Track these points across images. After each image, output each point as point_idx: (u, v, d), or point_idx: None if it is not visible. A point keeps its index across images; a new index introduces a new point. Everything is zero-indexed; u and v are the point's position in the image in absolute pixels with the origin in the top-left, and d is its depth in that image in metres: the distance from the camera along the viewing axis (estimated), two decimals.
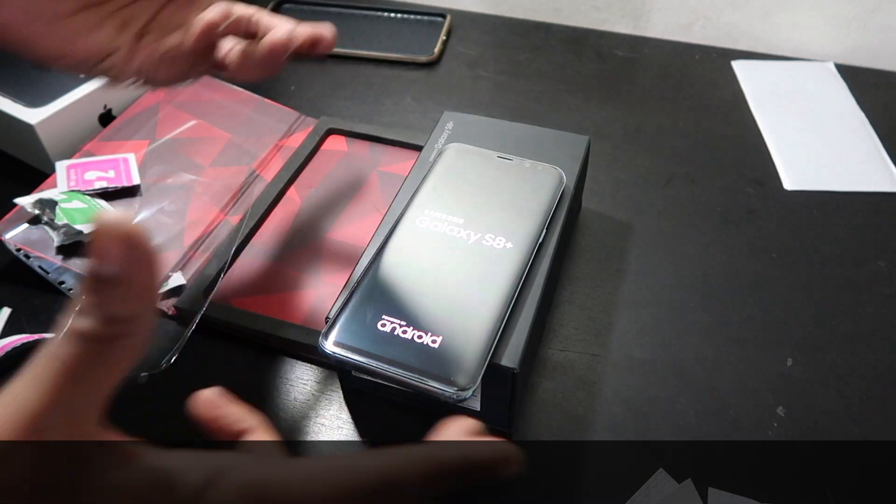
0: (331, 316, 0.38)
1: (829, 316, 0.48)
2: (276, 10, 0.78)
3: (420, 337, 0.37)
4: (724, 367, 0.45)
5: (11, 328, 0.47)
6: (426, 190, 0.45)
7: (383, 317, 0.38)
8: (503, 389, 0.39)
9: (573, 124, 0.64)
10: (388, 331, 0.37)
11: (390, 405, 0.43)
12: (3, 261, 0.51)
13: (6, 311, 0.48)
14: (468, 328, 0.37)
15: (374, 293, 0.39)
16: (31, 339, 0.46)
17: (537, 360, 0.46)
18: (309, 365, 0.46)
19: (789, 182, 0.59)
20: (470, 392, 0.35)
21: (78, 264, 0.49)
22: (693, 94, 0.68)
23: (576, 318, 0.48)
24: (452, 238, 0.42)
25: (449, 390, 0.35)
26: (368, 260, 0.41)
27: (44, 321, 0.47)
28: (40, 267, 0.49)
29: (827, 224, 0.55)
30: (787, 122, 0.64)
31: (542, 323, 0.46)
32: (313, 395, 0.44)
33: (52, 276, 0.49)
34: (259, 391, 0.45)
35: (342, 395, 0.44)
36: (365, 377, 0.42)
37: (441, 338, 0.37)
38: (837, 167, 0.60)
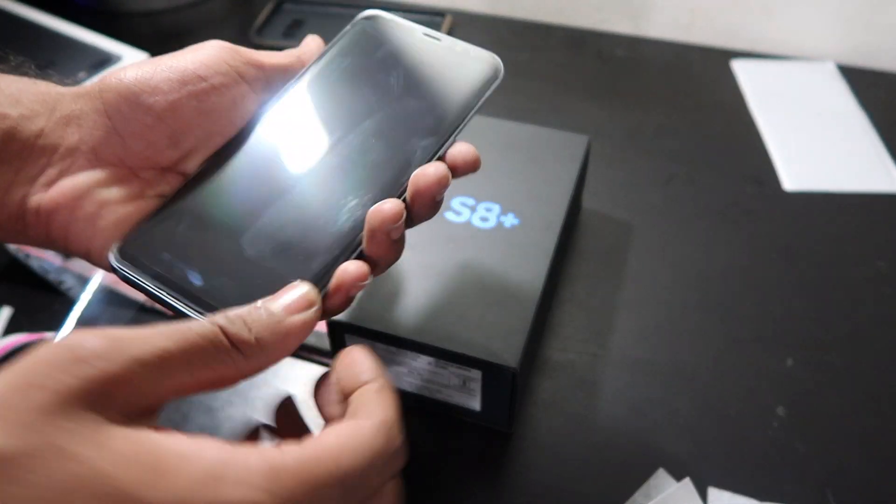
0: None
1: (829, 316, 0.48)
2: (276, 10, 0.78)
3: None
4: (724, 366, 0.45)
5: (11, 328, 0.47)
6: (314, 70, 0.34)
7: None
8: (503, 389, 0.39)
9: (573, 124, 0.64)
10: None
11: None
12: (3, 261, 0.51)
13: (6, 311, 0.48)
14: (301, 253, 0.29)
15: (194, 202, 0.30)
16: (31, 339, 0.46)
17: (537, 360, 0.46)
18: (306, 363, 0.46)
19: (789, 182, 0.59)
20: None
21: (78, 264, 0.49)
22: (693, 94, 0.68)
23: (576, 318, 0.48)
24: (332, 144, 0.32)
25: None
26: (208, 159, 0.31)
27: (44, 321, 0.47)
28: (40, 267, 0.49)
29: (827, 224, 0.55)
30: (787, 122, 0.64)
31: (542, 323, 0.46)
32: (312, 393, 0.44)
33: (52, 276, 0.49)
34: (258, 391, 0.45)
35: None
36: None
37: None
38: (837, 167, 0.60)
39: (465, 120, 0.33)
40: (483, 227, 0.44)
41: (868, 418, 0.43)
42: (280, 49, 0.68)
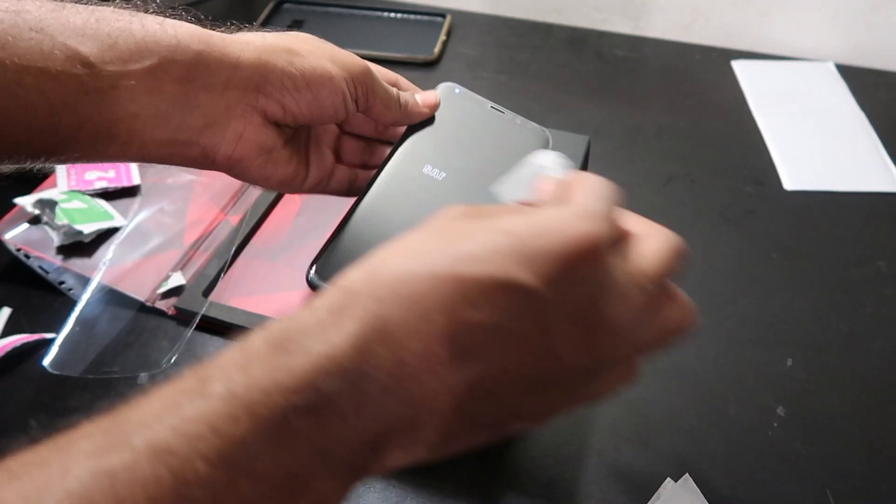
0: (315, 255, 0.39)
1: (829, 316, 0.48)
2: (276, 9, 0.78)
3: None
4: (724, 366, 0.45)
5: (11, 328, 0.47)
6: (414, 137, 0.45)
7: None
8: None
9: (573, 124, 0.64)
10: None
11: None
12: (3, 261, 0.51)
13: (6, 311, 0.48)
14: None
15: (357, 236, 0.40)
16: (31, 339, 0.46)
17: None
18: None
19: (789, 182, 0.59)
20: None
21: (78, 264, 0.49)
22: (693, 94, 0.68)
23: None
24: (435, 183, 0.42)
25: None
26: (351, 205, 0.41)
27: (44, 321, 0.47)
28: (40, 267, 0.49)
29: (827, 224, 0.55)
30: (787, 122, 0.64)
31: None
32: None
33: (52, 276, 0.49)
34: None
35: None
36: None
37: None
38: (837, 167, 0.60)
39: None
40: None
41: (868, 418, 0.43)
42: None
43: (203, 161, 0.36)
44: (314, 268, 0.38)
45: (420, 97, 0.43)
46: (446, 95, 0.47)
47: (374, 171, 0.42)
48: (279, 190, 0.42)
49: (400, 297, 0.21)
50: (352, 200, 0.42)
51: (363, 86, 0.38)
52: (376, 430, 0.21)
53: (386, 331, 0.21)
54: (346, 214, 0.41)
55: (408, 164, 0.43)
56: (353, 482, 0.22)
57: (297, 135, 0.40)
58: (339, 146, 0.43)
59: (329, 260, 0.38)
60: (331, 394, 0.20)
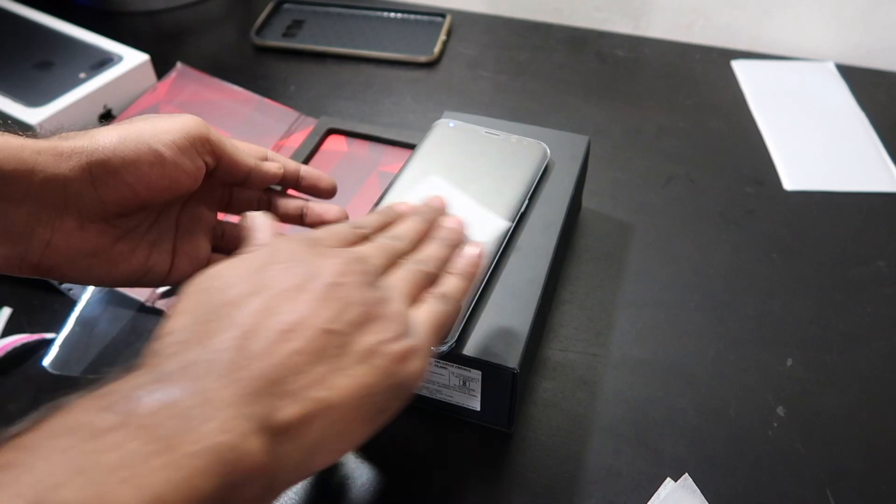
0: None
1: (829, 316, 0.48)
2: (276, 10, 0.78)
3: None
4: (724, 367, 0.45)
5: (11, 328, 0.47)
6: (413, 165, 0.46)
7: None
8: (503, 389, 0.39)
9: (573, 124, 0.64)
10: None
11: None
12: None
13: (6, 311, 0.48)
14: None
15: None
16: (31, 339, 0.46)
17: (537, 360, 0.46)
18: None
19: (789, 182, 0.59)
20: (446, 347, 0.36)
21: None
22: (693, 94, 0.68)
23: (576, 318, 0.48)
24: None
25: None
26: None
27: (44, 321, 0.47)
28: None
29: (827, 224, 0.55)
30: (787, 122, 0.64)
31: (542, 323, 0.46)
32: None
33: None
34: None
35: None
36: None
37: None
38: (837, 167, 0.60)
39: (531, 188, 0.45)
40: None
41: (868, 418, 0.43)
42: (280, 49, 0.69)
43: (10, 268, 0.33)
44: None
45: (303, 170, 0.41)
46: (441, 131, 0.49)
47: (372, 207, 0.43)
48: (132, 286, 0.38)
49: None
50: None
51: (200, 139, 0.36)
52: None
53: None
54: None
55: (406, 192, 0.44)
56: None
57: (153, 225, 0.37)
58: (222, 232, 0.41)
59: None
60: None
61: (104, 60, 0.62)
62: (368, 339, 0.27)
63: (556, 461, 0.41)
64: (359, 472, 0.40)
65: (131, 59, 0.62)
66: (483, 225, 0.42)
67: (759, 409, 0.43)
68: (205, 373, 0.24)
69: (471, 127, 0.49)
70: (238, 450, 0.22)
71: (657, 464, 0.40)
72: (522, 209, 0.44)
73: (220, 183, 0.40)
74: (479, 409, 0.41)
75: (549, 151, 0.48)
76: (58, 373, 0.43)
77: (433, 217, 0.36)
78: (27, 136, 0.32)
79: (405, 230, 0.34)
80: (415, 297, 0.31)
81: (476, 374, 0.38)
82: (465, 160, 0.46)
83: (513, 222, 0.43)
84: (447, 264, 0.34)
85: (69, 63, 0.61)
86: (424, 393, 0.42)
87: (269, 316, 0.26)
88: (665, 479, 0.40)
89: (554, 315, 0.48)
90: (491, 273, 0.41)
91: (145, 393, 0.23)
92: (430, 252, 0.34)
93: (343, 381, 0.26)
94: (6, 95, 0.57)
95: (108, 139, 0.33)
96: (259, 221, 0.34)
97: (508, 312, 0.39)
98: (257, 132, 0.60)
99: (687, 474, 0.39)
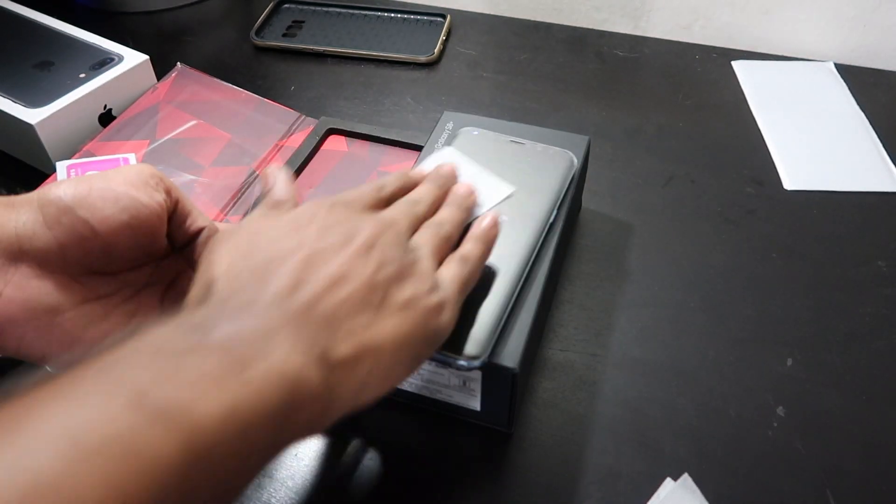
0: None
1: (829, 316, 0.48)
2: (276, 10, 0.78)
3: None
4: (724, 367, 0.45)
5: None
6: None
7: None
8: (503, 389, 0.39)
9: (573, 124, 0.64)
10: None
11: (388, 406, 0.43)
12: None
13: None
14: (480, 302, 0.38)
15: None
16: None
17: (537, 360, 0.46)
18: None
19: (789, 182, 0.59)
20: (479, 362, 0.36)
21: None
22: (693, 94, 0.68)
23: (576, 318, 0.48)
24: None
25: (460, 360, 0.36)
26: None
27: None
28: None
29: (827, 224, 0.55)
30: (787, 122, 0.64)
31: (542, 323, 0.46)
32: None
33: None
34: None
35: None
36: None
37: None
38: (837, 167, 0.60)
39: (559, 197, 0.45)
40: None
41: (868, 418, 0.43)
42: (280, 49, 0.70)
43: None
44: None
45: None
46: (466, 138, 0.49)
47: None
48: None
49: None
50: None
51: (152, 174, 0.35)
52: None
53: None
54: None
55: None
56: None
57: (133, 297, 0.36)
58: None
59: None
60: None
61: (104, 60, 0.62)
62: (405, 292, 0.30)
63: (556, 461, 0.41)
64: (359, 472, 0.40)
65: (131, 59, 0.62)
66: (490, 190, 0.42)
67: (759, 409, 0.43)
68: (265, 311, 0.27)
69: (494, 135, 0.49)
70: (300, 376, 0.25)
71: (657, 464, 0.40)
72: (551, 219, 0.44)
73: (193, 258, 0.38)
74: (479, 409, 0.41)
75: (576, 160, 0.47)
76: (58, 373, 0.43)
77: (446, 183, 0.39)
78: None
79: (423, 194, 0.37)
80: (440, 258, 0.34)
81: (476, 374, 0.38)
82: (492, 169, 0.45)
83: (542, 233, 0.43)
84: (465, 230, 0.37)
85: (69, 63, 0.61)
86: (424, 393, 0.42)
87: (316, 268, 0.29)
88: (665, 479, 0.40)
89: (554, 315, 0.48)
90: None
91: (215, 324, 0.25)
92: (448, 216, 0.36)
93: (387, 328, 0.29)
94: (6, 95, 0.57)
95: (59, 184, 0.33)
96: (279, 175, 0.36)
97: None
98: (257, 132, 0.60)
99: (687, 474, 0.39)
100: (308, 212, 0.32)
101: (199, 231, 0.37)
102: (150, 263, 0.37)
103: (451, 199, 0.38)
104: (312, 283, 0.28)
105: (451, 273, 0.34)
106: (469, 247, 0.36)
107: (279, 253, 0.29)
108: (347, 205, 0.33)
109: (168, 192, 0.36)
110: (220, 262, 0.29)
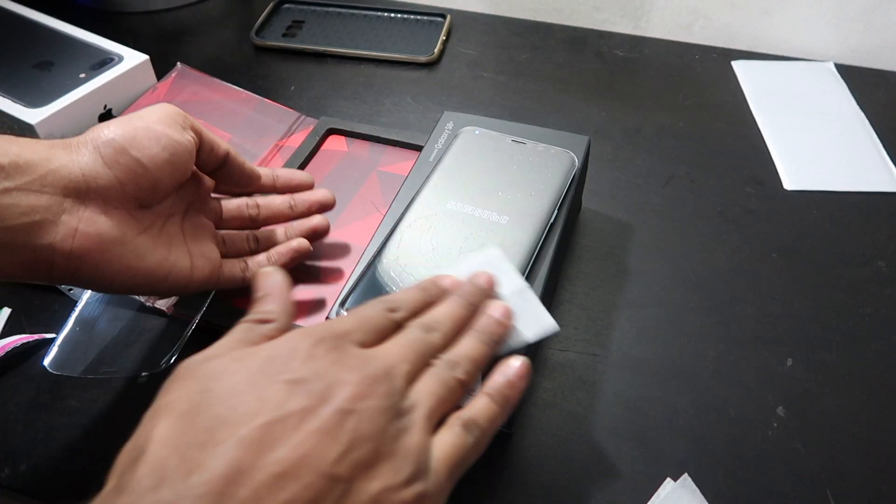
0: (343, 293, 0.40)
1: (829, 316, 0.48)
2: (276, 10, 0.78)
3: None
4: (724, 367, 0.45)
5: (11, 328, 0.47)
6: (439, 173, 0.46)
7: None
8: None
9: (573, 124, 0.64)
10: None
11: None
12: None
13: (6, 311, 0.48)
14: None
15: (386, 273, 0.40)
16: (31, 339, 0.46)
17: (537, 360, 0.46)
18: None
19: (789, 182, 0.59)
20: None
21: None
22: (693, 94, 0.68)
23: (576, 318, 0.48)
24: (463, 218, 0.43)
25: None
26: (380, 242, 0.42)
27: (44, 321, 0.47)
28: None
29: (827, 224, 0.55)
30: (787, 122, 0.64)
31: None
32: None
33: None
34: None
35: None
36: None
37: None
38: (837, 167, 0.60)
39: (560, 198, 0.45)
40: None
41: (867, 418, 0.43)
42: (280, 49, 0.70)
43: (42, 264, 0.33)
44: (345, 305, 0.39)
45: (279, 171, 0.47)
46: (467, 138, 0.49)
47: (395, 221, 0.44)
48: (161, 291, 0.39)
49: None
50: (372, 230, 0.44)
51: (180, 115, 0.39)
52: None
53: None
54: (375, 252, 0.42)
55: (433, 201, 0.44)
56: None
57: (163, 229, 0.39)
58: (223, 239, 0.44)
59: (359, 298, 0.40)
60: None
61: (104, 60, 0.62)
62: (375, 484, 0.25)
63: (556, 461, 0.41)
64: None
65: (131, 59, 0.62)
66: (530, 319, 0.35)
67: (759, 409, 0.43)
68: None
69: (496, 135, 0.49)
70: None
71: (657, 464, 0.40)
72: (552, 219, 0.44)
73: (206, 192, 0.43)
74: None
75: (577, 160, 0.47)
76: (58, 373, 0.43)
77: (478, 300, 0.34)
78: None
79: (443, 317, 0.32)
80: (440, 416, 0.29)
81: None
82: (492, 169, 0.46)
83: (543, 232, 0.43)
84: (483, 379, 0.31)
85: (69, 63, 0.61)
86: None
87: (265, 451, 0.24)
88: (665, 479, 0.40)
89: (554, 315, 0.48)
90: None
91: None
92: (467, 351, 0.31)
93: None
94: (6, 95, 0.57)
95: (106, 126, 0.36)
96: (273, 280, 0.33)
97: None
98: (257, 132, 0.60)
99: (687, 474, 0.39)
100: (286, 349, 0.27)
101: (226, 156, 0.42)
102: (172, 195, 0.40)
103: (479, 324, 0.32)
104: (255, 475, 0.23)
105: (447, 446, 0.28)
106: (480, 407, 0.30)
107: (230, 417, 0.24)
108: (339, 340, 0.28)
109: (194, 129, 0.39)
110: (162, 420, 0.25)
